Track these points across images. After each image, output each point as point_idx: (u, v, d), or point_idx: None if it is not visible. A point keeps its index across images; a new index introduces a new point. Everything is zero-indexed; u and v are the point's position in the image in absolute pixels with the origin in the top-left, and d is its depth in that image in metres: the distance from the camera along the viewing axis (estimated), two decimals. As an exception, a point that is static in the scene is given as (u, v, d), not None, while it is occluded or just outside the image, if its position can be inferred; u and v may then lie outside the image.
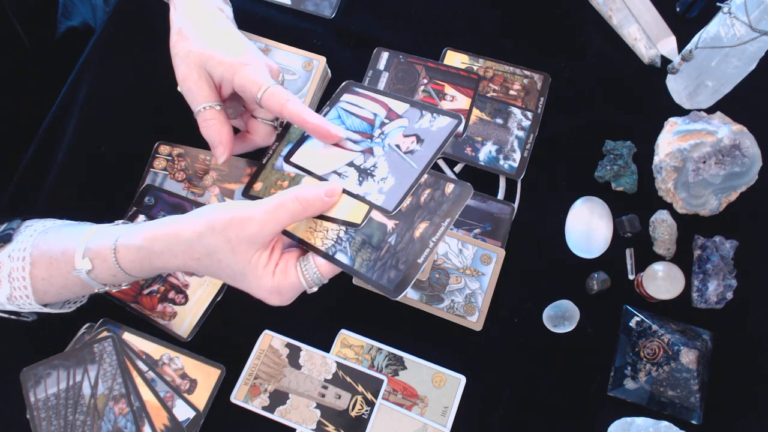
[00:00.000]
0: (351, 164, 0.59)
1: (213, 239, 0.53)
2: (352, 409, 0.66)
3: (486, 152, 0.75)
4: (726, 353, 0.68)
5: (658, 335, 0.67)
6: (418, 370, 0.68)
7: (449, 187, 0.56)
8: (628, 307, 0.70)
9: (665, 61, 0.79)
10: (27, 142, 0.78)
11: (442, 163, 0.77)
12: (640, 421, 0.65)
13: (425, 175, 0.56)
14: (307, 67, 0.78)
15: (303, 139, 0.64)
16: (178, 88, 0.64)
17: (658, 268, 0.68)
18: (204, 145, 0.64)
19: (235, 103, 0.67)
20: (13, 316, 0.64)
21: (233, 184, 0.75)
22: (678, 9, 0.81)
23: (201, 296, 0.71)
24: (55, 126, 0.79)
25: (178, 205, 0.74)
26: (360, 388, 0.67)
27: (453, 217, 0.54)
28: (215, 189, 0.75)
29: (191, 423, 0.66)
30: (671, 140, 0.72)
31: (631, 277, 0.72)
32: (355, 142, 0.60)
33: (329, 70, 0.80)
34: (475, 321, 0.70)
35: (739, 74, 0.72)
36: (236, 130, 0.66)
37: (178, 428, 0.65)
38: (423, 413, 0.67)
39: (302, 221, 0.57)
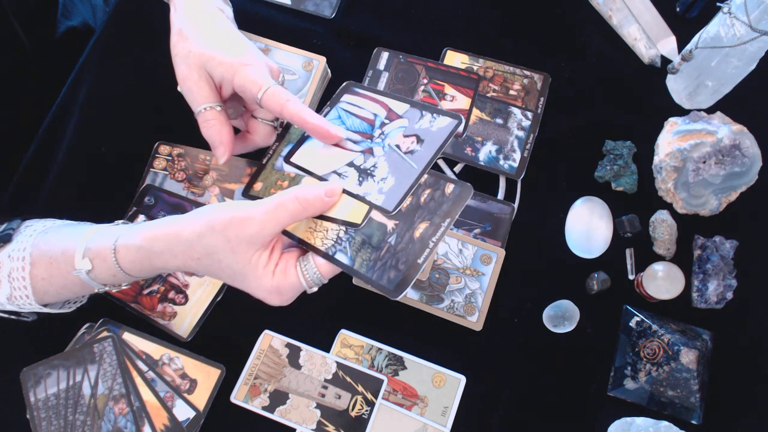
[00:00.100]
0: (351, 164, 0.59)
1: (213, 239, 0.53)
2: (352, 409, 0.66)
3: (486, 152, 0.75)
4: (726, 353, 0.68)
5: (658, 335, 0.67)
6: (418, 370, 0.68)
7: (449, 188, 0.56)
8: (628, 307, 0.70)
9: (665, 61, 0.79)
10: (27, 142, 0.78)
11: (442, 163, 0.77)
12: (640, 421, 0.65)
13: (425, 176, 0.56)
14: (307, 67, 0.78)
15: (303, 139, 0.64)
16: (179, 89, 0.64)
17: (658, 268, 0.68)
18: (204, 145, 0.64)
19: (235, 104, 0.67)
20: (13, 316, 0.64)
21: (233, 184, 0.75)
22: (678, 9, 0.81)
23: (201, 296, 0.71)
24: (55, 126, 0.79)
25: (178, 205, 0.74)
26: (360, 388, 0.67)
27: (453, 217, 0.54)
28: (215, 189, 0.75)
29: (191, 423, 0.66)
30: (671, 140, 0.72)
31: (631, 277, 0.72)
32: (355, 142, 0.61)
33: (329, 70, 0.80)
34: (475, 321, 0.70)
35: (739, 74, 0.72)
36: (236, 131, 0.66)
37: (178, 428, 0.65)
38: (423, 413, 0.67)
39: (302, 221, 0.57)
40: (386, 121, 0.61)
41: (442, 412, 0.67)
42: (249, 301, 0.57)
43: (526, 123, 0.76)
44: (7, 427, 0.67)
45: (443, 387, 0.68)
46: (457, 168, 0.76)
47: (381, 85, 0.79)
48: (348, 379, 0.68)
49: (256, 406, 0.67)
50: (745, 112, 0.73)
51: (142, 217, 0.73)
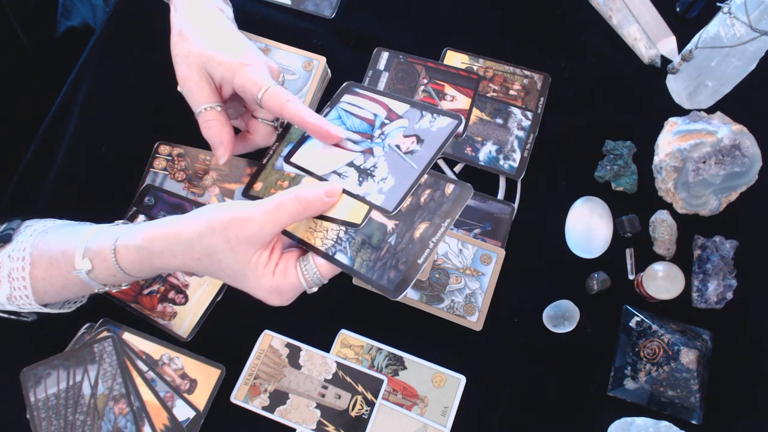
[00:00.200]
0: (351, 164, 0.59)
1: (213, 239, 0.53)
2: (352, 409, 0.66)
3: (486, 152, 0.75)
4: (726, 353, 0.68)
5: (658, 335, 0.67)
6: (418, 370, 0.68)
7: (449, 188, 0.56)
8: (628, 307, 0.70)
9: (665, 61, 0.79)
10: (27, 142, 0.78)
11: (442, 163, 0.77)
12: (640, 421, 0.65)
13: (425, 176, 0.56)
14: (307, 67, 0.78)
15: (303, 139, 0.64)
16: (179, 89, 0.64)
17: (658, 268, 0.68)
18: (204, 145, 0.64)
19: (235, 104, 0.67)
20: (13, 316, 0.64)
21: (233, 184, 0.75)
22: (678, 9, 0.81)
23: (201, 296, 0.71)
24: (55, 126, 0.79)
25: (178, 205, 0.74)
26: (360, 388, 0.67)
27: (453, 217, 0.54)
28: (215, 189, 0.75)
29: (191, 423, 0.66)
30: (671, 140, 0.72)
31: (631, 277, 0.72)
32: (355, 142, 0.61)
33: (329, 70, 0.80)
34: (475, 321, 0.70)
35: (739, 74, 0.72)
36: (237, 131, 0.66)
37: (178, 428, 0.65)
38: (423, 413, 0.67)
39: (302, 221, 0.57)
40: (386, 121, 0.61)
41: (442, 412, 0.67)
42: (249, 301, 0.57)
43: (526, 123, 0.76)
44: (7, 427, 0.67)
45: (443, 387, 0.68)
46: (457, 168, 0.76)
47: (381, 85, 0.79)
48: (348, 379, 0.68)
49: (256, 406, 0.67)
50: (745, 112, 0.73)
51: (142, 217, 0.73)
